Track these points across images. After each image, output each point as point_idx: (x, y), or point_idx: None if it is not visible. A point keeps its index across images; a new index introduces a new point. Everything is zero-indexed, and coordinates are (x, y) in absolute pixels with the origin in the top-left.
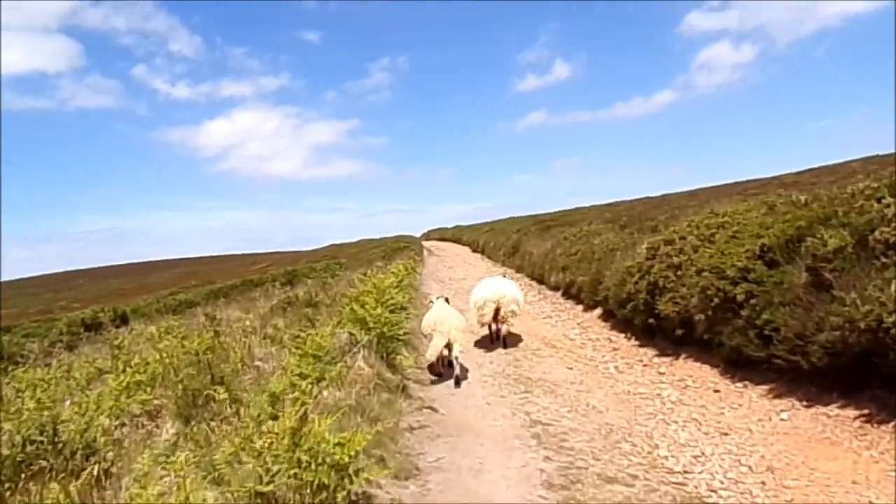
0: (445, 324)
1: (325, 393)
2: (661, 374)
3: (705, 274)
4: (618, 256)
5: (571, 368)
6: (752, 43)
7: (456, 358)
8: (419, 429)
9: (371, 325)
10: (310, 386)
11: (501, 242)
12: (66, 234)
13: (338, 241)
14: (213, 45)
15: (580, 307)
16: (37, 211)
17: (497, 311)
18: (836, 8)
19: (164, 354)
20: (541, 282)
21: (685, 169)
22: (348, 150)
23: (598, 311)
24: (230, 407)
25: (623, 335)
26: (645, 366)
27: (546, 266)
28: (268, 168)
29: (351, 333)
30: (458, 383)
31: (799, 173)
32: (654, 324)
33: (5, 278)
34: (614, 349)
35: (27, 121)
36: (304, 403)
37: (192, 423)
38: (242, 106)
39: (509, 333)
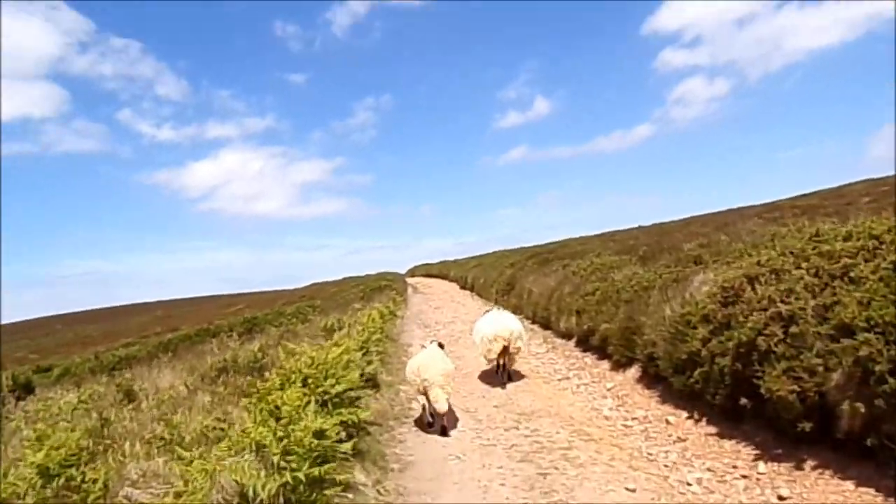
0: (429, 370)
1: None
2: (783, 500)
3: (865, 335)
4: (655, 297)
5: (634, 490)
6: (725, 77)
7: (438, 407)
8: None
9: (286, 452)
10: None
11: (493, 278)
12: (50, 279)
13: (321, 280)
14: (199, 88)
15: (606, 363)
16: (20, 256)
17: (506, 347)
18: (801, 44)
19: None
20: (546, 326)
21: (664, 199)
22: (334, 188)
23: (634, 370)
24: None
25: (685, 413)
26: (745, 476)
27: (552, 308)
28: (253, 208)
29: (238, 483)
30: (444, 432)
31: (799, 196)
32: (746, 405)
33: None
34: (679, 439)
35: (12, 166)
36: None
37: None
38: (228, 147)
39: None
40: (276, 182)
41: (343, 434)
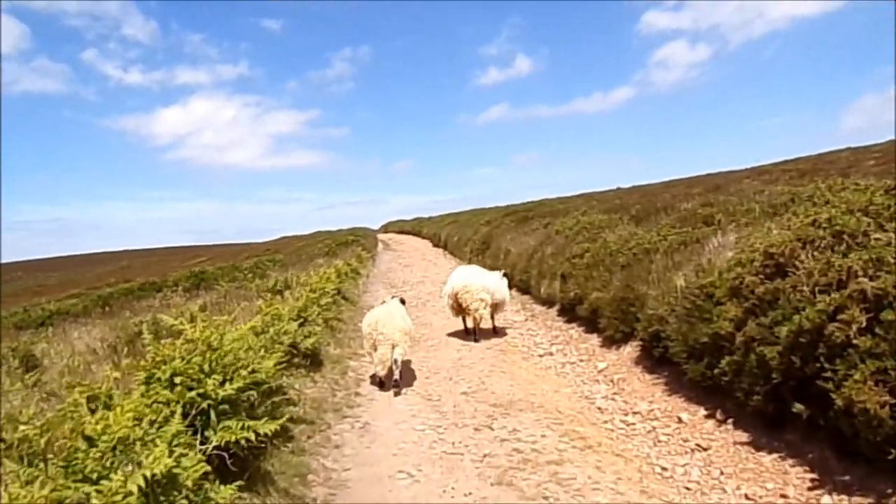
0: (388, 325)
1: None
2: None
3: None
4: (658, 262)
5: None
6: (707, 43)
7: (395, 361)
8: None
9: None
10: None
11: (468, 237)
12: (10, 224)
13: (291, 234)
14: (169, 31)
15: (595, 338)
16: None
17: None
18: (785, 10)
19: None
20: (525, 291)
21: (643, 162)
22: (308, 141)
23: (631, 348)
24: None
25: (703, 410)
26: None
27: (532, 271)
28: (224, 158)
29: None
30: (397, 392)
31: (785, 162)
32: (801, 412)
33: None
34: (699, 447)
35: None
36: None
37: None
38: (199, 93)
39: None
40: (248, 132)
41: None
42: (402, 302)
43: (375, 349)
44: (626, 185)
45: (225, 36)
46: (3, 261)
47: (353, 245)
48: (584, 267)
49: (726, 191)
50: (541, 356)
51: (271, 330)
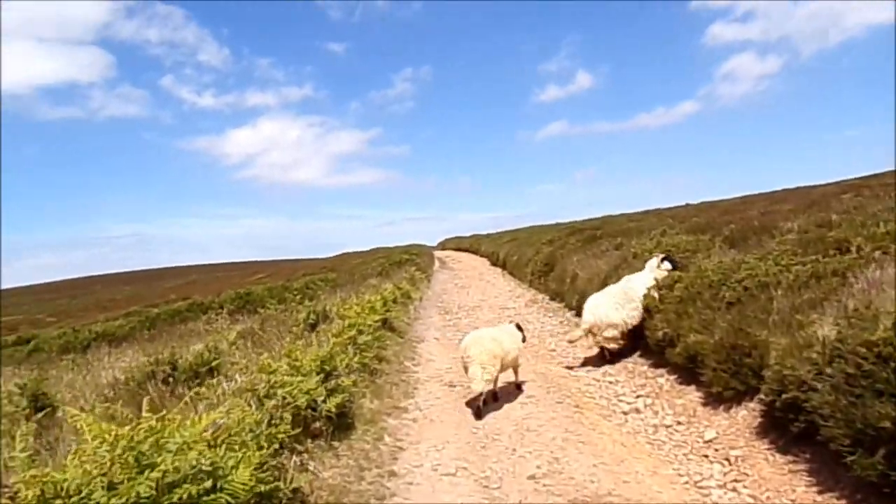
0: (474, 347)
1: None
2: None
3: None
4: (780, 301)
5: None
6: (777, 54)
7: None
8: None
9: None
10: None
11: (528, 257)
12: (93, 240)
13: (350, 250)
14: (241, 56)
15: (695, 392)
16: (67, 218)
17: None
18: (861, 18)
19: None
20: None
21: (708, 178)
22: (370, 159)
23: (748, 412)
24: None
25: None
26: None
27: None
28: (289, 176)
29: None
30: (478, 414)
31: (871, 177)
32: None
33: (34, 281)
34: None
35: (59, 130)
36: None
37: None
38: (266, 115)
39: None
40: (312, 151)
41: None
42: (519, 328)
43: (466, 371)
44: (695, 201)
45: (291, 60)
46: (87, 273)
47: (408, 265)
48: (676, 300)
49: (826, 207)
50: (625, 413)
51: (279, 392)
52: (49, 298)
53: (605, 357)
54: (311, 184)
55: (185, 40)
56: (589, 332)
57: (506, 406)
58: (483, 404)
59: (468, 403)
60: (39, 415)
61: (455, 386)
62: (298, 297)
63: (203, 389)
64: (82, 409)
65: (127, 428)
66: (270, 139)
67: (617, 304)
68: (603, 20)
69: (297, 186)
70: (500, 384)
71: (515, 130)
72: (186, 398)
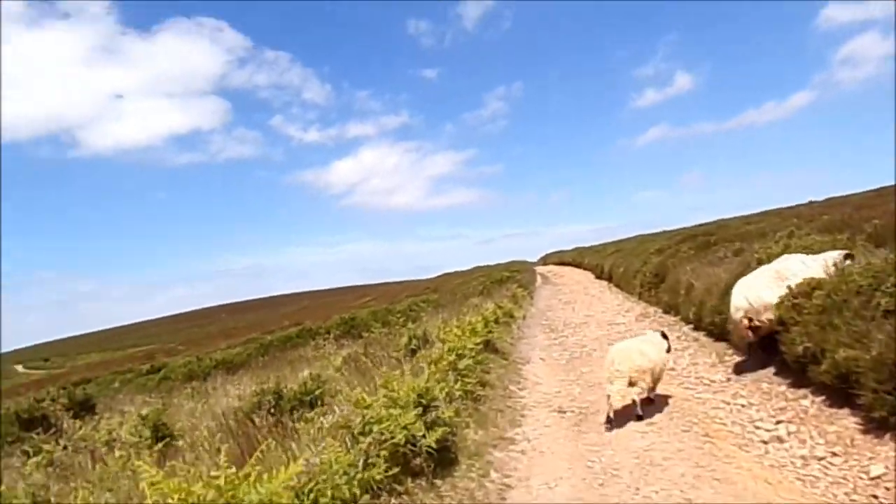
0: (623, 362)
1: None
2: None
3: None
4: None
5: None
6: None
7: (634, 401)
8: None
9: None
10: None
11: (636, 268)
12: (217, 272)
13: (451, 270)
14: (341, 91)
15: (849, 416)
16: (192, 253)
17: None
18: None
19: None
20: (721, 337)
21: (829, 173)
22: (465, 179)
23: None
24: None
25: None
26: None
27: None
28: (390, 201)
29: None
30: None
31: None
32: None
33: (171, 312)
34: None
35: (185, 174)
36: None
37: None
38: (366, 144)
39: None
40: (410, 175)
41: None
42: (664, 336)
43: (612, 383)
44: (820, 198)
45: (387, 89)
46: (213, 303)
47: (509, 282)
48: (817, 311)
49: None
50: (765, 443)
51: (375, 428)
52: (181, 328)
53: (748, 354)
54: (410, 207)
55: (291, 81)
56: (745, 318)
57: (623, 434)
58: (638, 417)
59: (617, 413)
60: (160, 444)
61: (566, 412)
62: (401, 319)
63: (302, 425)
64: (193, 444)
65: (199, 485)
66: (371, 167)
67: (770, 284)
68: (700, 17)
69: (397, 210)
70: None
71: (613, 138)
72: (264, 447)
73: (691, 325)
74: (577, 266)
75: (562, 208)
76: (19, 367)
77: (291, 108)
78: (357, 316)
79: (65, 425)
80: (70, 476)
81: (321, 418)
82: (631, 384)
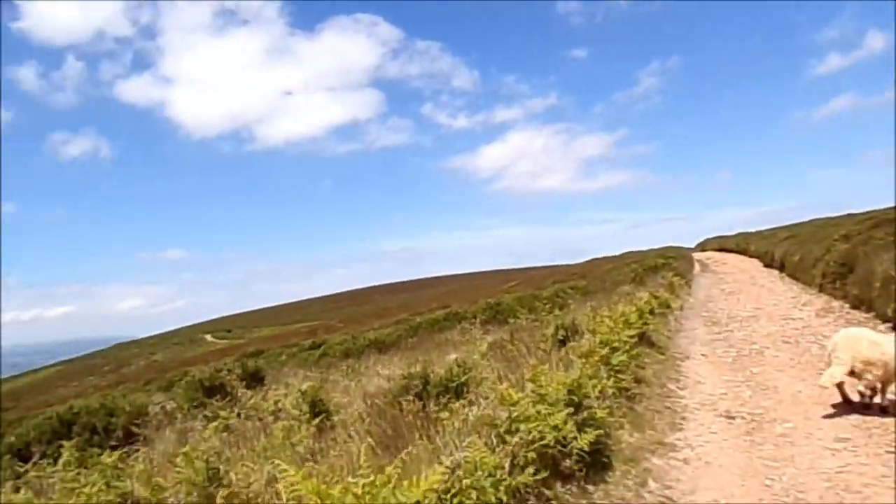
0: (847, 348)
1: None
2: None
3: None
4: None
5: None
6: None
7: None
8: None
9: None
10: None
11: (816, 256)
12: (373, 255)
13: (600, 256)
14: (488, 76)
15: None
16: (352, 236)
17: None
18: None
19: None
20: None
21: None
22: (616, 161)
23: None
24: None
25: None
26: None
27: None
28: (537, 184)
29: None
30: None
31: None
32: None
33: (328, 292)
34: None
35: (344, 163)
36: None
37: None
38: (514, 128)
39: None
40: (558, 158)
41: None
42: None
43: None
44: None
45: (535, 72)
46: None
47: (664, 269)
48: None
49: None
50: None
51: (522, 427)
52: (340, 307)
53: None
54: (558, 190)
55: (441, 70)
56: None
57: (808, 450)
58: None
59: (847, 403)
60: (317, 420)
61: (734, 417)
62: (548, 305)
63: (447, 415)
64: (345, 422)
65: (338, 488)
66: (518, 150)
67: None
68: None
69: (545, 193)
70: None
71: (786, 112)
72: (410, 447)
73: (889, 324)
74: (741, 253)
75: (723, 190)
76: (208, 337)
77: (441, 96)
78: (502, 301)
79: (238, 394)
80: (241, 442)
81: (466, 409)
82: (854, 375)
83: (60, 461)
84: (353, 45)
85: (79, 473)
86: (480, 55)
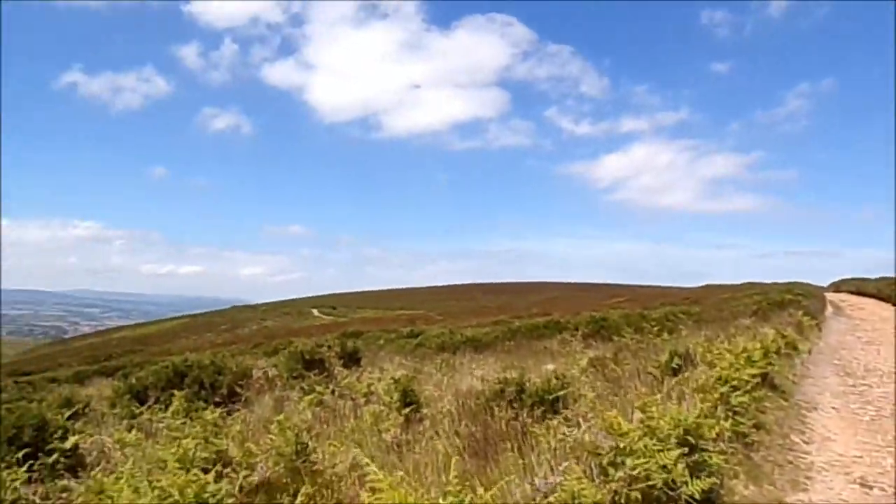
0: None
1: None
2: None
3: None
4: None
5: None
6: None
7: None
8: None
9: None
10: None
11: None
12: (480, 252)
13: (717, 282)
14: (618, 84)
15: None
16: (461, 231)
17: None
18: None
19: None
20: None
21: None
22: (747, 184)
23: None
24: None
25: None
26: None
27: None
28: (657, 200)
29: None
30: None
31: None
32: None
33: (431, 284)
34: None
35: (464, 159)
36: None
37: None
38: (639, 140)
39: None
40: (683, 175)
41: None
42: None
43: None
44: None
45: (669, 84)
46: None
47: (791, 306)
48: None
49: None
50: None
51: (628, 462)
52: (441, 300)
53: None
54: (679, 208)
55: (570, 74)
56: None
57: None
58: None
59: None
60: (407, 410)
61: (872, 487)
62: (656, 328)
63: (542, 430)
64: (434, 417)
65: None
66: (641, 163)
67: None
68: None
69: (664, 211)
70: None
71: None
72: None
73: None
74: (884, 300)
75: (864, 227)
76: (315, 311)
77: (567, 101)
78: (608, 317)
79: (335, 371)
80: (331, 419)
81: (563, 427)
82: None
83: (170, 409)
84: (484, 44)
85: (184, 423)
86: (613, 62)
